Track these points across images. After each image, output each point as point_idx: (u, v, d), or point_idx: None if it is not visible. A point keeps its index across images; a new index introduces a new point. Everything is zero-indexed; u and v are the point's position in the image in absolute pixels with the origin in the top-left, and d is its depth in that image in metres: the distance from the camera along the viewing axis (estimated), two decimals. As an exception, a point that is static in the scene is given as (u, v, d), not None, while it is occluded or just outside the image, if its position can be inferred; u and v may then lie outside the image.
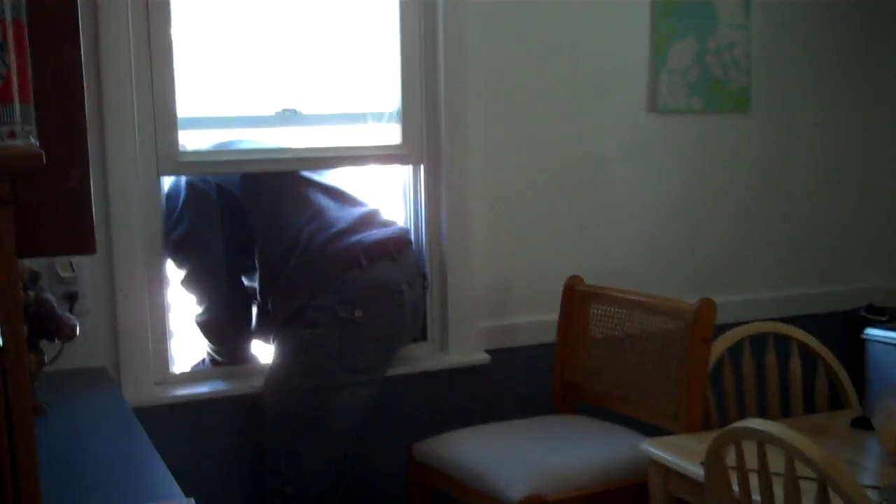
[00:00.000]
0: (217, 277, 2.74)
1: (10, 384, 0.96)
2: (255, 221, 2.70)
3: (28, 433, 0.99)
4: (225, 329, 2.79)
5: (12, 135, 1.00)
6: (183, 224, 2.69)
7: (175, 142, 2.63)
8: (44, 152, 1.00)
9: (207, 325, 2.77)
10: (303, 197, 2.72)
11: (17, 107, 1.01)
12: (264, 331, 2.75)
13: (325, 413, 2.57)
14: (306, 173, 2.79)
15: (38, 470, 1.03)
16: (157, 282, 2.64)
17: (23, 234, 1.02)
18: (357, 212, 2.74)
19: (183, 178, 2.72)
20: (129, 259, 2.54)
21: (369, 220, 2.74)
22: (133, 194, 2.53)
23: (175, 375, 2.70)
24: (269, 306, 2.67)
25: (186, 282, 2.73)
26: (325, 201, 2.73)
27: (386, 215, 2.81)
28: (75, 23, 1.13)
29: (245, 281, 2.81)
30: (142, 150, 2.57)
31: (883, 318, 3.24)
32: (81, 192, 1.15)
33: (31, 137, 1.02)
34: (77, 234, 1.13)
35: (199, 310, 2.77)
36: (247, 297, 2.81)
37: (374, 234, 2.69)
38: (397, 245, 2.71)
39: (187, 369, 2.80)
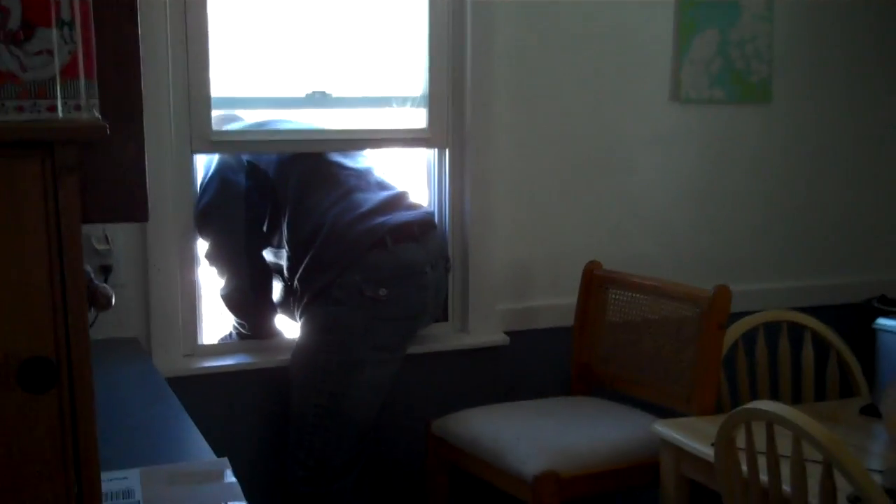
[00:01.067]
0: (239, 251, 2.78)
1: (73, 353, 1.04)
2: (285, 200, 2.74)
3: (89, 404, 1.07)
4: (248, 303, 2.84)
5: (77, 108, 1.07)
6: (207, 195, 2.75)
7: (208, 121, 2.70)
8: (107, 125, 1.07)
9: (231, 299, 2.83)
10: (332, 178, 2.77)
11: (82, 82, 1.07)
12: (290, 307, 2.80)
13: (348, 389, 2.63)
14: (336, 157, 2.84)
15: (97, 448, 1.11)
16: (189, 257, 2.72)
17: (84, 200, 1.09)
18: (384, 194, 2.79)
19: (215, 155, 2.79)
20: (163, 235, 2.61)
21: (396, 202, 2.78)
22: (167, 172, 2.60)
23: (203, 347, 2.78)
24: (296, 283, 2.73)
25: (211, 254, 2.79)
26: (353, 183, 2.77)
27: (413, 198, 2.86)
28: (134, 5, 1.20)
29: (271, 258, 2.86)
30: (176, 128, 2.64)
31: (895, 310, 3.29)
32: (137, 163, 1.22)
33: (94, 111, 1.09)
34: (132, 203, 1.20)
35: (222, 283, 2.82)
36: (270, 272, 2.86)
37: (400, 215, 2.73)
38: (422, 227, 2.76)
39: (215, 342, 2.87)
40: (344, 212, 2.69)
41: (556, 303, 3.05)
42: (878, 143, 3.54)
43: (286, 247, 2.75)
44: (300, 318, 2.74)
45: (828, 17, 3.40)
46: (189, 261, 2.72)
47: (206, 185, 2.77)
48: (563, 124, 3.07)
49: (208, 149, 2.73)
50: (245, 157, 2.80)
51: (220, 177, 2.77)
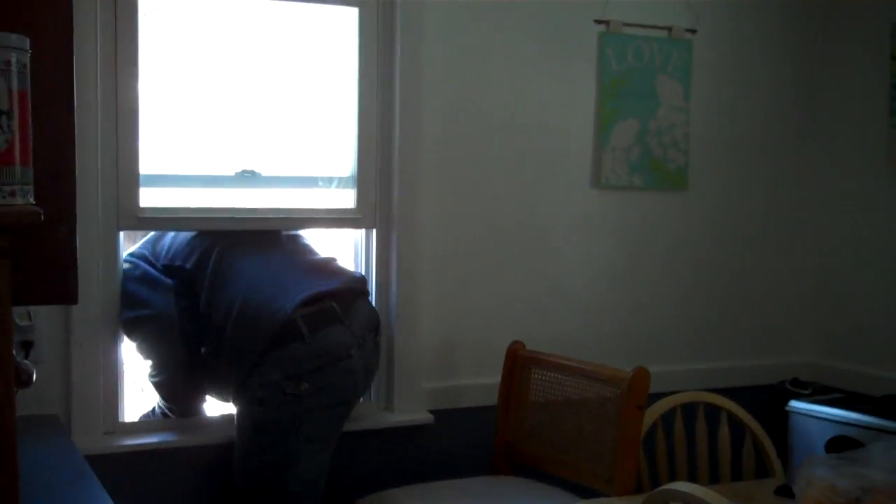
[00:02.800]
0: (171, 348, 2.70)
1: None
2: (201, 289, 2.70)
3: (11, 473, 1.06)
4: (179, 390, 2.78)
5: (13, 193, 1.09)
6: (131, 306, 2.69)
7: (136, 198, 2.70)
8: (41, 211, 1.09)
9: (161, 387, 2.77)
10: (247, 254, 2.72)
11: (17, 168, 1.10)
12: (221, 393, 2.77)
13: (287, 486, 2.56)
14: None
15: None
16: (111, 334, 2.69)
17: (14, 283, 1.10)
18: (303, 261, 2.74)
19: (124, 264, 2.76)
20: (86, 311, 2.58)
21: (316, 269, 2.73)
22: (93, 248, 2.59)
23: (125, 425, 2.74)
24: (222, 372, 2.69)
25: (141, 351, 2.73)
26: (267, 255, 2.72)
27: (338, 263, 2.82)
28: (71, 92, 1.22)
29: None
30: (103, 205, 2.64)
31: (806, 392, 3.39)
32: (69, 246, 1.23)
33: (29, 196, 1.11)
34: (63, 286, 1.21)
35: (153, 371, 2.76)
36: (200, 361, 2.79)
37: (319, 286, 2.64)
38: (345, 303, 2.66)
39: (136, 419, 2.83)
40: (254, 290, 2.62)
41: (481, 382, 3.08)
42: (790, 229, 3.69)
43: (207, 336, 2.71)
44: (233, 404, 2.69)
45: (741, 109, 3.57)
46: (111, 337, 2.69)
47: (129, 294, 2.70)
48: (487, 207, 3.14)
49: (136, 225, 2.73)
50: (161, 262, 2.76)
51: (139, 282, 2.71)
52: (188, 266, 2.73)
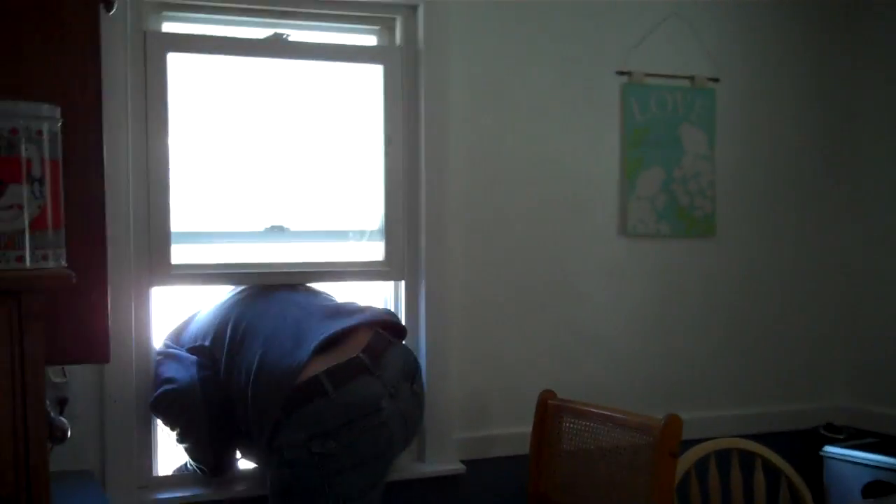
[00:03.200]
0: (195, 416, 2.63)
1: (34, 493, 1.07)
2: (220, 358, 2.65)
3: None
4: (208, 456, 2.73)
5: (45, 258, 1.13)
6: (157, 385, 2.67)
7: (168, 254, 2.76)
8: (73, 273, 1.13)
9: (191, 451, 2.74)
10: (262, 316, 2.66)
11: (49, 232, 1.14)
12: (253, 456, 2.75)
13: None
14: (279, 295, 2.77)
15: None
16: (146, 390, 2.72)
17: (47, 344, 1.13)
18: (325, 305, 2.70)
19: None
20: (120, 368, 2.62)
21: (338, 309, 2.67)
22: (126, 305, 2.64)
23: (158, 479, 2.76)
24: (251, 436, 2.62)
25: (168, 425, 2.70)
26: (285, 311, 2.66)
27: (360, 303, 2.79)
28: (100, 158, 1.27)
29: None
30: (136, 263, 2.69)
31: (840, 437, 3.36)
32: (100, 309, 1.27)
33: (61, 259, 1.15)
34: (94, 346, 1.24)
35: (180, 440, 2.71)
36: (229, 426, 2.71)
37: (339, 325, 2.57)
38: (373, 352, 2.55)
39: (170, 473, 2.85)
40: (271, 347, 2.55)
41: (513, 431, 3.08)
42: (819, 273, 3.67)
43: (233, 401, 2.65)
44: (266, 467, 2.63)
45: (766, 156, 3.58)
46: (145, 392, 2.72)
47: (156, 373, 2.69)
48: (515, 256, 3.16)
49: (168, 281, 2.78)
50: (184, 347, 2.73)
51: (167, 359, 2.71)
52: (207, 343, 2.69)
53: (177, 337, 2.80)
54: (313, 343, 2.52)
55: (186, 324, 2.84)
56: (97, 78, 1.28)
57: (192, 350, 2.71)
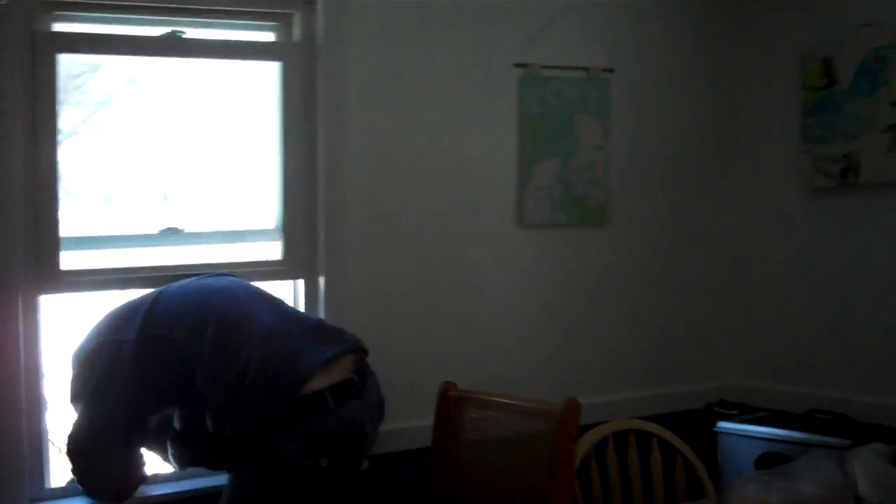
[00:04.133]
0: (119, 423, 2.50)
1: None
2: (200, 357, 2.47)
3: None
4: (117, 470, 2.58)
5: None
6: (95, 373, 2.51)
7: (57, 260, 2.70)
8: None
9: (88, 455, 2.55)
10: (250, 315, 2.55)
11: None
12: (211, 455, 2.57)
13: None
14: (249, 295, 2.67)
15: None
16: (35, 400, 2.67)
17: None
18: (309, 321, 2.67)
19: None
20: (8, 379, 2.57)
21: (323, 327, 2.65)
22: (15, 315, 2.59)
23: (52, 491, 2.71)
24: (228, 432, 2.45)
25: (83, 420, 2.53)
26: (270, 316, 2.58)
27: (329, 323, 2.75)
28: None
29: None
30: (24, 270, 2.63)
31: (733, 412, 3.46)
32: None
33: None
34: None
35: (77, 434, 2.53)
36: (149, 438, 2.61)
37: (339, 346, 2.55)
38: (362, 375, 2.56)
39: (63, 484, 2.78)
40: (270, 348, 2.46)
41: (415, 425, 3.09)
42: (711, 257, 3.78)
43: (207, 400, 2.48)
44: (229, 470, 2.54)
45: (660, 141, 3.67)
46: (35, 404, 2.67)
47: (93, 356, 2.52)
48: (414, 250, 3.18)
49: (58, 289, 2.73)
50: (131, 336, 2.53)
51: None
52: (177, 335, 2.50)
53: (124, 326, 2.55)
54: (320, 358, 2.47)
55: (133, 311, 2.58)
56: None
57: (150, 340, 2.51)
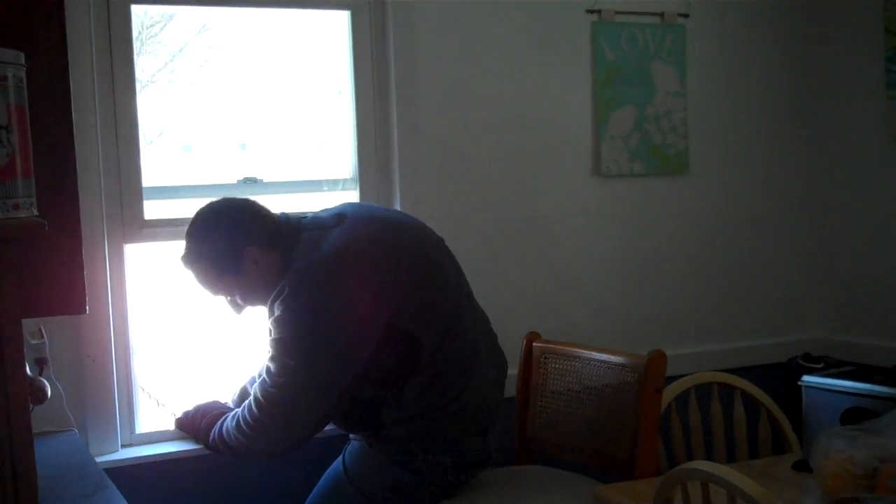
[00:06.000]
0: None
1: (14, 437, 1.05)
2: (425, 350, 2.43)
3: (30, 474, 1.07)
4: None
5: (16, 206, 1.10)
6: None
7: (140, 210, 2.72)
8: (46, 222, 1.10)
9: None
10: (469, 337, 2.55)
11: (20, 181, 1.10)
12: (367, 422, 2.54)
13: None
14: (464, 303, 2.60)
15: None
16: (123, 347, 2.71)
17: (23, 296, 1.11)
18: (484, 331, 2.67)
19: None
20: (96, 325, 2.60)
21: (491, 345, 2.69)
22: (100, 262, 2.61)
23: (141, 436, 2.75)
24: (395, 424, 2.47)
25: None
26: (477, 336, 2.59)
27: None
28: (68, 103, 1.23)
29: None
30: (108, 218, 2.65)
31: (819, 366, 3.40)
32: (75, 258, 1.24)
33: (32, 209, 1.12)
34: (71, 297, 1.22)
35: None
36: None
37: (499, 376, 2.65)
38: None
39: (153, 430, 2.82)
40: (482, 379, 2.53)
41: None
42: (793, 207, 3.69)
43: (406, 392, 2.45)
44: (368, 442, 2.54)
45: (738, 92, 3.57)
46: (123, 350, 2.71)
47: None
48: (490, 202, 3.15)
49: (142, 238, 2.74)
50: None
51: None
52: (405, 325, 2.40)
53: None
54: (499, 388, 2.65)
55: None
56: (62, 22, 1.24)
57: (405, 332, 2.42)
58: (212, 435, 2.52)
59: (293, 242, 2.41)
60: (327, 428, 2.52)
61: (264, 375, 2.38)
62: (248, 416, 2.39)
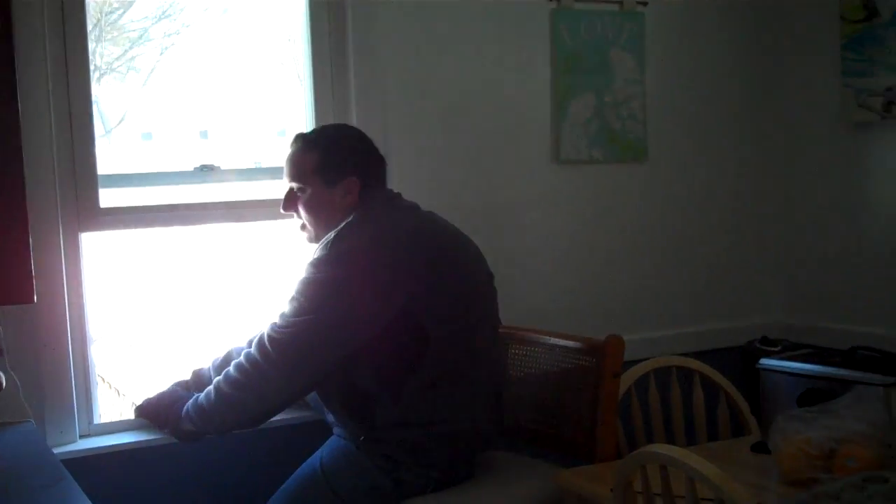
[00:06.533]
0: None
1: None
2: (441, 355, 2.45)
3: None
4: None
5: (-39, 192, 1.08)
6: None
7: (96, 198, 2.68)
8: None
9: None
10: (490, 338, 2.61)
11: (-36, 166, 1.09)
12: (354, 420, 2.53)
13: None
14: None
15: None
16: (81, 336, 2.67)
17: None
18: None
19: None
20: (53, 314, 2.56)
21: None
22: (55, 250, 2.56)
23: (99, 426, 2.73)
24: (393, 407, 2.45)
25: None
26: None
27: None
28: (13, 90, 1.21)
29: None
30: (63, 207, 2.61)
31: (776, 349, 3.44)
32: (22, 246, 1.22)
33: (-22, 194, 1.10)
34: (19, 285, 1.20)
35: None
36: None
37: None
38: None
39: (111, 420, 2.80)
40: (478, 411, 2.56)
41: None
42: (750, 193, 3.72)
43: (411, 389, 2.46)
44: (356, 443, 2.51)
45: (695, 76, 3.60)
46: (80, 339, 2.67)
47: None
48: (450, 189, 3.14)
49: (97, 226, 2.71)
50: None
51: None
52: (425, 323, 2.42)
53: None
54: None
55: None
56: (5, 8, 1.21)
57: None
58: (185, 409, 2.50)
59: (375, 204, 2.52)
60: (307, 418, 2.49)
61: (275, 319, 2.40)
62: (245, 362, 2.39)
